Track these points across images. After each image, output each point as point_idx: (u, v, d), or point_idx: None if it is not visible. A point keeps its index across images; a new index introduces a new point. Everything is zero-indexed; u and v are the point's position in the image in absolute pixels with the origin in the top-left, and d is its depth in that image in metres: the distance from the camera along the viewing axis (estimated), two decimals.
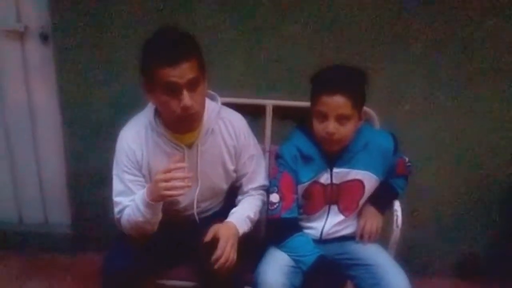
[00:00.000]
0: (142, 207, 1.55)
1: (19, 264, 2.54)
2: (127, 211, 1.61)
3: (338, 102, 1.60)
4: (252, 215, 1.75)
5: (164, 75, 1.47)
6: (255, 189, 1.83)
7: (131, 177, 1.66)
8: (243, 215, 1.72)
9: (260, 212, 1.82)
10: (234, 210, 1.75)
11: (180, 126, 1.62)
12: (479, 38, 2.10)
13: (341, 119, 1.62)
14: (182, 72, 1.47)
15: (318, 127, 1.67)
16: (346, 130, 1.64)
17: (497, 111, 2.22)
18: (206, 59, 1.59)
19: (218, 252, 1.53)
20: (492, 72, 2.15)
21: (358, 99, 1.64)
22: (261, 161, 1.88)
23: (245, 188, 1.83)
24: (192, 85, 1.50)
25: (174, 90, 1.49)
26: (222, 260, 1.52)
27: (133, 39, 2.12)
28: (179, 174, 1.50)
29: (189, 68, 1.49)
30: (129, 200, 1.64)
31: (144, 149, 1.66)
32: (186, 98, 1.49)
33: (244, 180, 1.82)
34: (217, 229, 1.59)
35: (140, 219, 1.57)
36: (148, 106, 1.70)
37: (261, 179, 1.85)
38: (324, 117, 1.64)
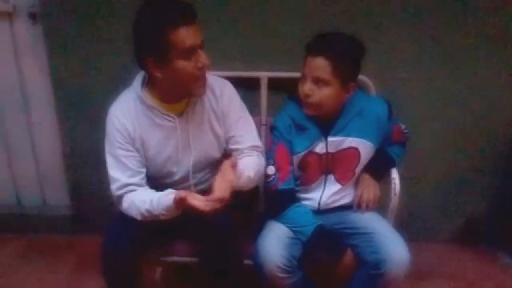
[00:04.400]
0: (165, 211, 1.56)
1: (19, 246, 2.55)
2: (140, 205, 1.59)
3: (317, 63, 1.60)
4: (252, 175, 1.71)
5: (181, 38, 1.45)
6: (249, 148, 1.79)
7: (125, 153, 1.65)
8: (244, 171, 1.68)
9: (259, 174, 1.79)
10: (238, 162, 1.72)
11: (193, 89, 1.59)
12: (474, 5, 2.08)
13: (318, 82, 1.62)
14: (196, 32, 1.49)
15: (299, 88, 1.68)
16: (322, 94, 1.63)
17: (495, 73, 2.21)
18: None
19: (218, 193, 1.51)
20: (488, 34, 2.13)
21: (343, 68, 1.61)
22: (249, 123, 1.83)
23: (237, 149, 1.78)
24: (202, 46, 1.52)
25: (191, 52, 1.49)
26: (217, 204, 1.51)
27: (124, 14, 2.09)
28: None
29: (199, 28, 1.50)
30: (127, 176, 1.64)
31: (135, 123, 1.65)
32: (204, 56, 1.52)
33: (234, 142, 1.78)
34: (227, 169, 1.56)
35: (163, 217, 1.58)
36: (135, 80, 1.68)
37: (252, 139, 1.80)
38: (304, 77, 1.64)
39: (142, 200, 1.60)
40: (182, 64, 1.50)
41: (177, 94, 1.63)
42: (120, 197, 1.65)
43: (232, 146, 1.78)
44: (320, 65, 1.60)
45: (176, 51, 1.47)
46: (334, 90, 1.63)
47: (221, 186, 1.52)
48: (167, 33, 1.45)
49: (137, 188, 1.65)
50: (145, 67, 1.56)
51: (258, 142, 1.83)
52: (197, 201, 1.48)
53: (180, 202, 1.51)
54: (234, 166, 1.57)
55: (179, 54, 1.48)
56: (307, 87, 1.63)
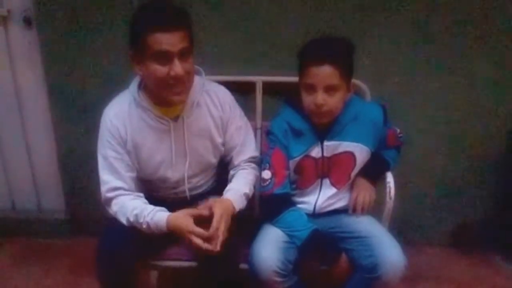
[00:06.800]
0: (153, 226, 1.57)
1: (14, 251, 2.54)
2: (128, 210, 1.60)
3: (325, 72, 1.59)
4: (248, 191, 1.74)
5: (156, 42, 1.45)
6: (246, 161, 1.82)
7: (115, 154, 1.65)
8: (239, 191, 1.71)
9: (255, 187, 1.82)
10: (229, 187, 1.74)
11: (168, 96, 1.58)
12: (470, 7, 2.09)
13: (330, 89, 1.61)
14: (175, 40, 1.46)
15: (307, 99, 1.66)
16: (334, 101, 1.63)
17: (488, 79, 2.21)
18: (194, 32, 1.57)
19: (210, 231, 1.51)
20: (483, 40, 2.14)
21: (346, 70, 1.62)
22: (248, 133, 1.86)
23: (236, 162, 1.81)
24: (183, 55, 1.50)
25: (165, 58, 1.48)
26: (213, 241, 1.51)
27: (119, 19, 2.09)
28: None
29: (182, 37, 1.48)
30: (116, 178, 1.64)
31: (127, 125, 1.65)
32: (178, 66, 1.48)
33: (234, 153, 1.81)
34: (213, 204, 1.57)
35: (144, 227, 1.59)
36: (132, 83, 1.68)
37: (250, 150, 1.84)
38: (312, 89, 1.63)
39: (133, 206, 1.61)
40: (155, 67, 1.50)
41: (161, 96, 1.61)
42: (109, 200, 1.66)
43: (233, 158, 1.82)
44: (329, 73, 1.59)
45: (150, 53, 1.48)
46: (343, 92, 1.65)
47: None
48: (144, 32, 1.46)
49: (126, 192, 1.66)
50: (129, 59, 1.57)
51: (256, 152, 1.86)
52: (197, 238, 1.51)
53: (175, 229, 1.55)
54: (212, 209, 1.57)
55: (152, 56, 1.48)
56: (320, 97, 1.61)
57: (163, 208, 1.61)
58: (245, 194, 1.73)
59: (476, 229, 2.51)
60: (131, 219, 1.59)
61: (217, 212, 1.55)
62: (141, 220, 1.58)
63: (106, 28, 2.15)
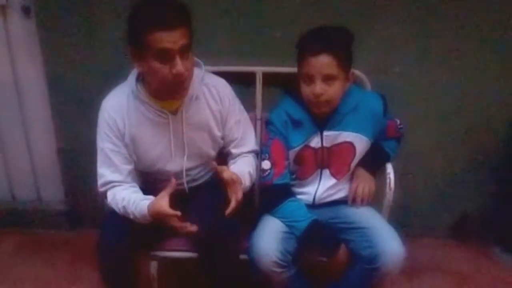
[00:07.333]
0: (139, 216, 1.58)
1: (14, 242, 2.54)
2: (118, 201, 1.62)
3: (323, 62, 1.59)
4: (252, 171, 1.75)
5: (157, 40, 1.43)
6: (248, 152, 1.83)
7: (112, 147, 1.66)
8: (244, 170, 1.71)
9: (255, 175, 1.82)
10: (232, 167, 1.73)
11: (169, 93, 1.59)
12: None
13: (328, 79, 1.61)
14: (176, 37, 1.44)
15: (306, 89, 1.66)
16: (333, 90, 1.63)
17: (488, 71, 2.20)
18: (194, 27, 1.56)
19: (233, 203, 1.55)
20: (483, 32, 2.13)
21: (344, 58, 1.62)
22: (248, 126, 1.86)
23: (236, 153, 1.82)
24: (184, 52, 1.48)
25: (166, 56, 1.46)
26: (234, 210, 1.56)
27: (119, 8, 2.08)
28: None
29: (182, 34, 1.46)
30: (111, 172, 1.66)
31: (126, 118, 1.65)
32: (179, 64, 1.47)
33: (233, 146, 1.81)
34: (230, 173, 1.58)
35: (132, 217, 1.61)
36: (130, 75, 1.68)
37: (251, 144, 1.85)
38: (310, 79, 1.63)
39: (121, 197, 1.62)
40: (156, 65, 1.48)
41: (162, 92, 1.61)
42: (104, 193, 1.68)
43: (233, 150, 1.82)
44: (326, 62, 1.59)
45: (151, 51, 1.46)
46: (341, 82, 1.64)
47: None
48: (144, 32, 1.44)
49: (118, 184, 1.67)
50: (129, 55, 1.56)
51: (256, 146, 1.87)
52: (175, 221, 1.53)
53: (156, 216, 1.54)
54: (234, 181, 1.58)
55: (153, 54, 1.46)
56: (319, 87, 1.61)
57: (148, 197, 1.61)
58: (249, 173, 1.73)
59: (475, 221, 2.51)
60: (121, 210, 1.62)
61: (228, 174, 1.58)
62: (129, 211, 1.59)
63: (106, 18, 2.13)
